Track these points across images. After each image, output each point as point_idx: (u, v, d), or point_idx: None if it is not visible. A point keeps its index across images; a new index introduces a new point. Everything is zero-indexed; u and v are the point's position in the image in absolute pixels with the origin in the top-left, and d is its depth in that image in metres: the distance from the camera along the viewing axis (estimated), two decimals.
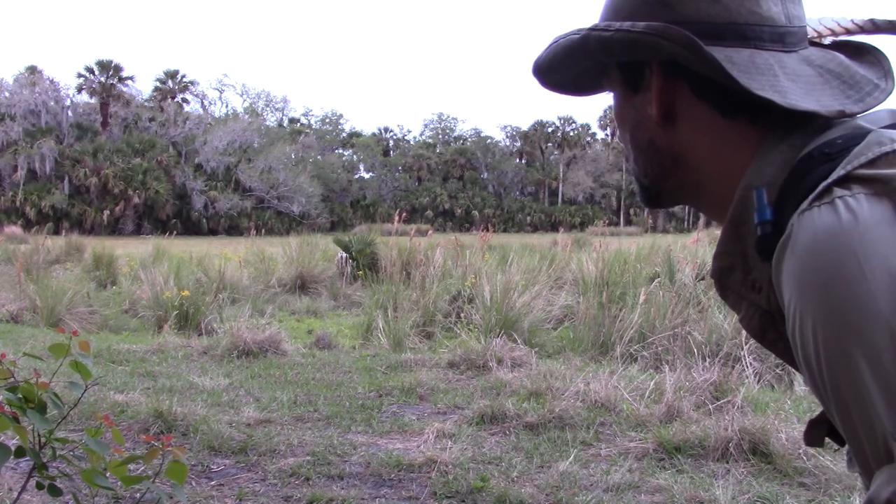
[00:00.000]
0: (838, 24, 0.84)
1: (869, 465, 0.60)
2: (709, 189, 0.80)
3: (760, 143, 0.75)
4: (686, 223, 53.66)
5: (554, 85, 0.90)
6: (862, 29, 0.84)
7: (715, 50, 0.72)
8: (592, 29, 0.76)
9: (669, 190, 0.85)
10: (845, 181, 0.64)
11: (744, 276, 0.75)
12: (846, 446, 0.76)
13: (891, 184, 0.62)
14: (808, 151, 0.71)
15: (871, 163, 0.64)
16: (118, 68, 54.05)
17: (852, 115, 0.73)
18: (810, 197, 0.65)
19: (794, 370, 0.82)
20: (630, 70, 0.81)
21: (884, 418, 0.58)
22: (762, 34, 0.74)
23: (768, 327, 0.75)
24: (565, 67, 0.84)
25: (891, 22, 0.84)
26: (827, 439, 0.81)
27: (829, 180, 0.64)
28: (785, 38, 0.75)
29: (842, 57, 0.78)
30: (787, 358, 0.76)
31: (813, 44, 0.80)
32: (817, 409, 0.87)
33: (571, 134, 68.31)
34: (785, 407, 4.07)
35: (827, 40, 0.83)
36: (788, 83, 0.73)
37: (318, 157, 64.07)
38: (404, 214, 14.68)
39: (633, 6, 0.77)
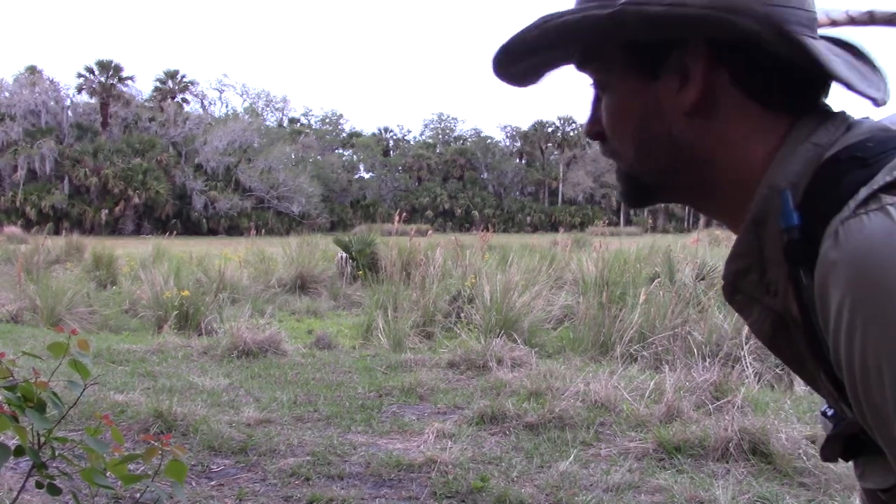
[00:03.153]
0: (827, 16, 0.80)
1: None
2: (720, 186, 0.76)
3: (785, 140, 0.72)
4: (686, 223, 53.69)
5: (515, 75, 0.82)
6: (854, 20, 0.82)
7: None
8: (629, 3, 0.68)
9: (672, 186, 0.79)
10: (891, 188, 0.62)
11: (759, 278, 0.71)
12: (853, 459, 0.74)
13: None
14: (835, 154, 0.68)
15: None
16: (118, 68, 54.07)
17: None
18: (851, 204, 0.63)
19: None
20: (652, 52, 0.74)
21: None
22: (801, 18, 0.69)
23: (778, 332, 0.72)
24: (544, 51, 0.77)
25: (892, 14, 0.80)
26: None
27: (875, 187, 0.62)
28: (813, 23, 0.71)
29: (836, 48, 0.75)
30: (794, 365, 0.74)
31: None
32: (817, 418, 0.86)
33: (571, 134, 68.20)
34: (785, 407, 4.07)
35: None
36: (845, 69, 0.70)
37: (318, 157, 64.08)
38: (404, 214, 14.66)
39: None
